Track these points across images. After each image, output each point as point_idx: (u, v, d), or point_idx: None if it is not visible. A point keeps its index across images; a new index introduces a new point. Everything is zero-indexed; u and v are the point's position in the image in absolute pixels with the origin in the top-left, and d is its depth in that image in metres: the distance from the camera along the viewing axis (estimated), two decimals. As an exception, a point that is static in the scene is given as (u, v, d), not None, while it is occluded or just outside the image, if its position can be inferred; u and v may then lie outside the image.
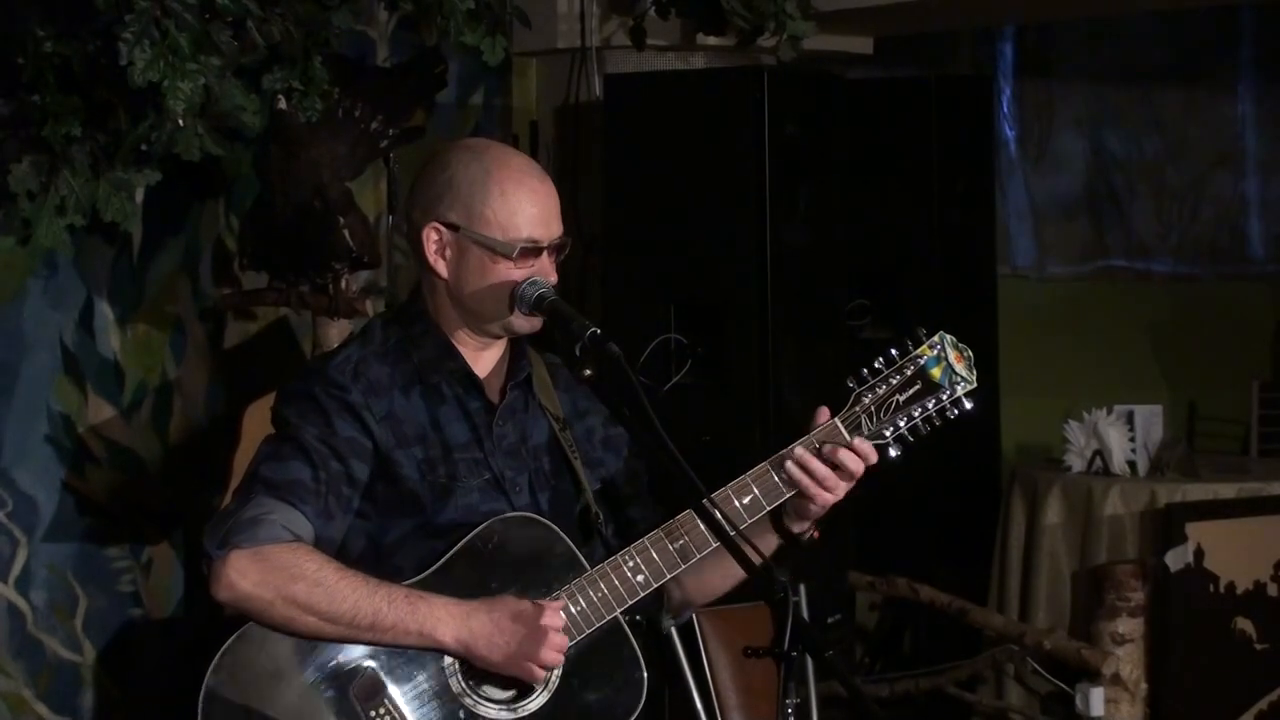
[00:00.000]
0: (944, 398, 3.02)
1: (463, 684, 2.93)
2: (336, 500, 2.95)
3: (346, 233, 4.72)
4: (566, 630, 2.92)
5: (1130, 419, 5.88)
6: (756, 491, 2.99)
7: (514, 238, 2.99)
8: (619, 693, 2.97)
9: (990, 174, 6.77)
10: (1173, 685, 5.41)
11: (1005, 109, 7.53)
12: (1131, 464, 5.85)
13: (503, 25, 4.73)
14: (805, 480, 2.97)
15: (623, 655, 2.98)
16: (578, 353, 2.90)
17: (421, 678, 2.92)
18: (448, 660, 2.93)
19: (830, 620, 5.40)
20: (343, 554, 2.96)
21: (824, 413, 3.02)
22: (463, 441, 3.03)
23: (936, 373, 3.02)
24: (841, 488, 3.00)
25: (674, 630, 4.03)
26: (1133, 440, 5.85)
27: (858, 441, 2.99)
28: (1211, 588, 5.47)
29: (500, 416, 3.06)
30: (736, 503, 2.98)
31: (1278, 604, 5.55)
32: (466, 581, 2.94)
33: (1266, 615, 5.54)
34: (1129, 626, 5.40)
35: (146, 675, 5.02)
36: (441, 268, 3.04)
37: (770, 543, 3.07)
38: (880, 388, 3.02)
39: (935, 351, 3.03)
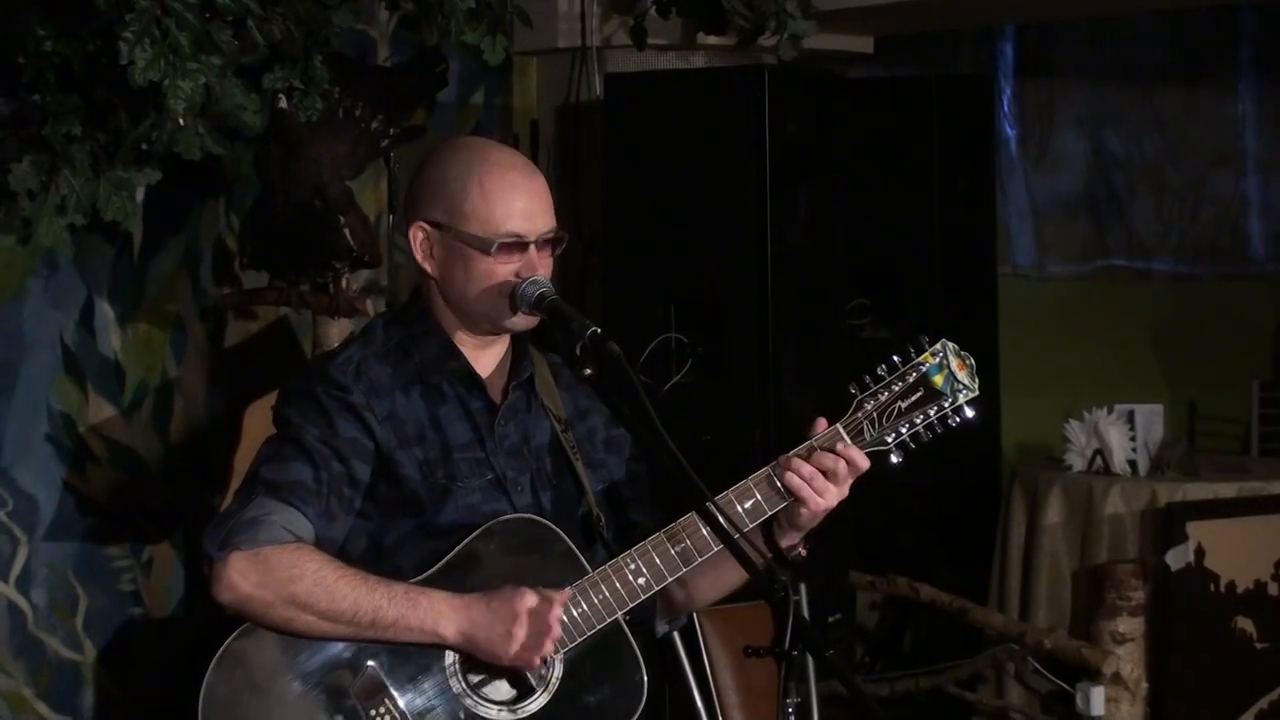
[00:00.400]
0: (946, 405, 3.02)
1: (463, 684, 2.93)
2: (338, 501, 2.95)
3: (347, 232, 4.72)
4: (567, 631, 2.92)
5: (1131, 418, 5.88)
6: (758, 496, 2.99)
7: (493, 232, 2.98)
8: (619, 695, 2.97)
9: (990, 173, 6.78)
10: (1173, 684, 5.41)
11: (1006, 108, 7.52)
12: (1132, 463, 5.85)
13: (503, 24, 4.73)
14: (797, 483, 2.97)
15: (623, 658, 2.98)
16: (578, 352, 2.89)
17: (422, 678, 2.92)
18: (449, 660, 2.92)
19: (831, 619, 5.40)
20: (344, 555, 2.96)
21: (821, 423, 3.02)
22: (464, 441, 3.02)
23: (939, 380, 3.02)
24: (833, 493, 2.99)
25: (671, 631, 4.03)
26: (1133, 440, 5.86)
27: (848, 448, 2.98)
28: (1212, 587, 5.47)
29: (503, 416, 3.06)
30: (739, 507, 2.98)
31: (1278, 603, 5.55)
32: (467, 583, 2.93)
33: (1267, 614, 5.54)
34: (1129, 626, 5.40)
35: (146, 675, 5.02)
36: (430, 267, 3.05)
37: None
38: (882, 394, 3.01)
39: (938, 359, 3.03)
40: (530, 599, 2.87)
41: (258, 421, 4.25)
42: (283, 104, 4.50)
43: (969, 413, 3.03)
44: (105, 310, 4.95)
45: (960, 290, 6.40)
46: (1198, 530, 5.45)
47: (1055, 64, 7.63)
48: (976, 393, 3.03)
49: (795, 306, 5.40)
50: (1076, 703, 5.40)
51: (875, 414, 3.01)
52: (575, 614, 2.94)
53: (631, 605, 2.97)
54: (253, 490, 2.94)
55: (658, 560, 2.97)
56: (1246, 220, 7.95)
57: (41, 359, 4.85)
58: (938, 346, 3.04)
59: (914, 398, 3.01)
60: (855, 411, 3.01)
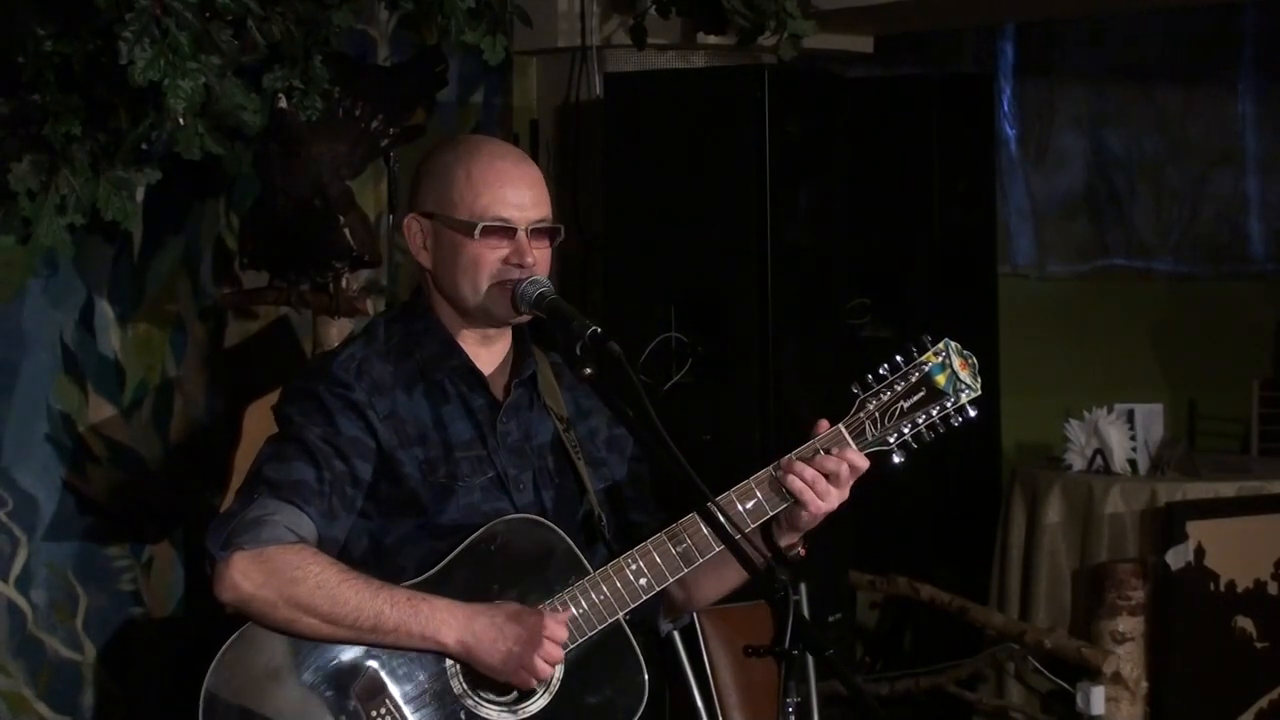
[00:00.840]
0: (948, 405, 3.01)
1: (464, 685, 2.92)
2: (340, 500, 2.95)
3: (347, 231, 4.72)
4: (569, 632, 2.92)
5: (1131, 418, 5.89)
6: (760, 497, 2.98)
7: (478, 216, 2.99)
8: (620, 695, 2.97)
9: (991, 173, 6.77)
10: (1173, 684, 5.41)
11: (1006, 108, 7.52)
12: (1132, 463, 5.85)
13: (503, 24, 4.73)
14: (799, 486, 2.97)
15: (624, 658, 2.98)
16: (578, 352, 2.89)
17: (423, 678, 2.92)
18: (449, 661, 2.92)
19: (831, 619, 5.40)
20: (345, 554, 2.96)
21: (823, 424, 3.01)
22: (466, 439, 3.02)
23: (941, 379, 3.02)
24: (834, 496, 2.98)
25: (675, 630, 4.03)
26: (1133, 439, 5.86)
27: (850, 451, 2.98)
28: (1212, 586, 5.47)
29: (505, 414, 3.06)
30: (740, 507, 2.98)
31: (1278, 603, 5.55)
32: (468, 583, 2.93)
33: (1267, 614, 5.54)
34: (1129, 625, 5.40)
35: (146, 675, 5.02)
36: (424, 258, 3.06)
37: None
38: (885, 394, 3.01)
39: (941, 358, 3.02)
40: (536, 621, 2.87)
41: (258, 421, 4.25)
42: (283, 104, 4.50)
43: (972, 413, 3.02)
44: (105, 310, 4.95)
45: (960, 290, 6.40)
46: (1198, 530, 5.45)
47: (1055, 64, 7.63)
48: (979, 392, 3.03)
49: (795, 306, 5.39)
50: (1076, 702, 5.40)
51: (877, 414, 3.01)
52: (576, 614, 2.94)
53: (633, 605, 2.97)
54: (255, 489, 2.94)
55: (659, 560, 2.96)
56: (1246, 220, 7.96)
57: (41, 359, 4.85)
58: (940, 346, 3.03)
59: (916, 397, 3.01)
60: (857, 411, 3.01)
